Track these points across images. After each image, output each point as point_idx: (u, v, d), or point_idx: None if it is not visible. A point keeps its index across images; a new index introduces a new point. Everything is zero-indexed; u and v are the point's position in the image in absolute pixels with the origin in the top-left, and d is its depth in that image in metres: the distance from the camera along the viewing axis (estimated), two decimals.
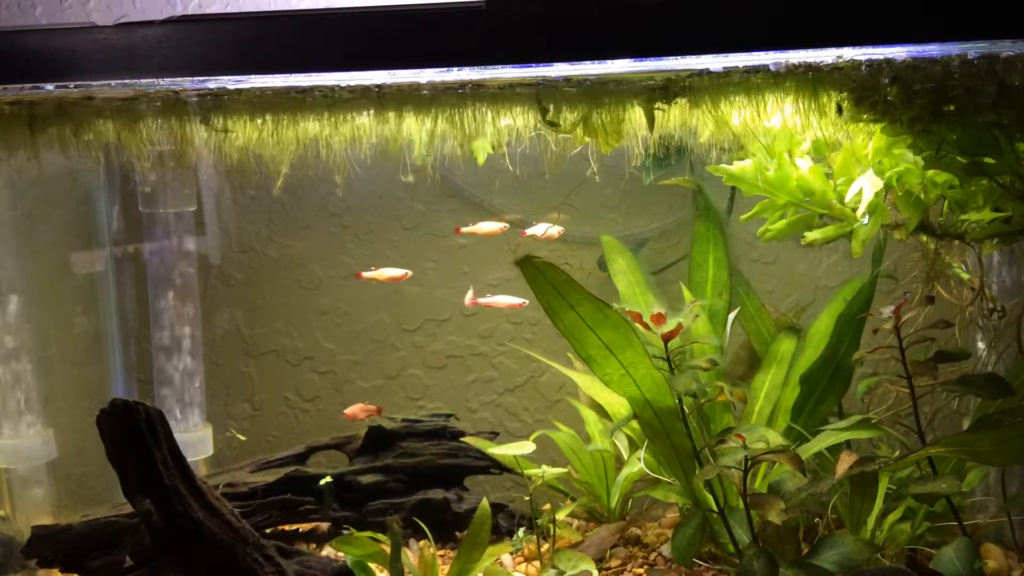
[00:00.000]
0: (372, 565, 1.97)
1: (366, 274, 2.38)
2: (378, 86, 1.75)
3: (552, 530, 2.13)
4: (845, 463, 1.75)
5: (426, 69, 1.66)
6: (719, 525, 1.91)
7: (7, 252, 2.33)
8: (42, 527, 2.06)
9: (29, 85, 1.73)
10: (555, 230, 2.34)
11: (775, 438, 1.77)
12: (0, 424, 2.35)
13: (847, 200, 1.95)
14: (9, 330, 2.33)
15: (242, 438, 2.68)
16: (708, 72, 1.67)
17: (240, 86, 1.77)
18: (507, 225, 2.38)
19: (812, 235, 2.02)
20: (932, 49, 1.58)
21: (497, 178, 2.57)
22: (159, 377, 2.51)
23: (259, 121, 1.87)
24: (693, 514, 1.93)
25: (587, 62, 1.60)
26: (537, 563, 2.14)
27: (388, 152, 2.00)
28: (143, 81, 1.70)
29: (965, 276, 2.14)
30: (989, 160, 1.73)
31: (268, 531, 2.25)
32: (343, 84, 1.74)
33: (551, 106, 1.76)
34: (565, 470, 2.20)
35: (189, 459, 1.83)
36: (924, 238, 2.10)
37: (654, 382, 1.86)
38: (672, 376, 1.88)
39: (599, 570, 2.03)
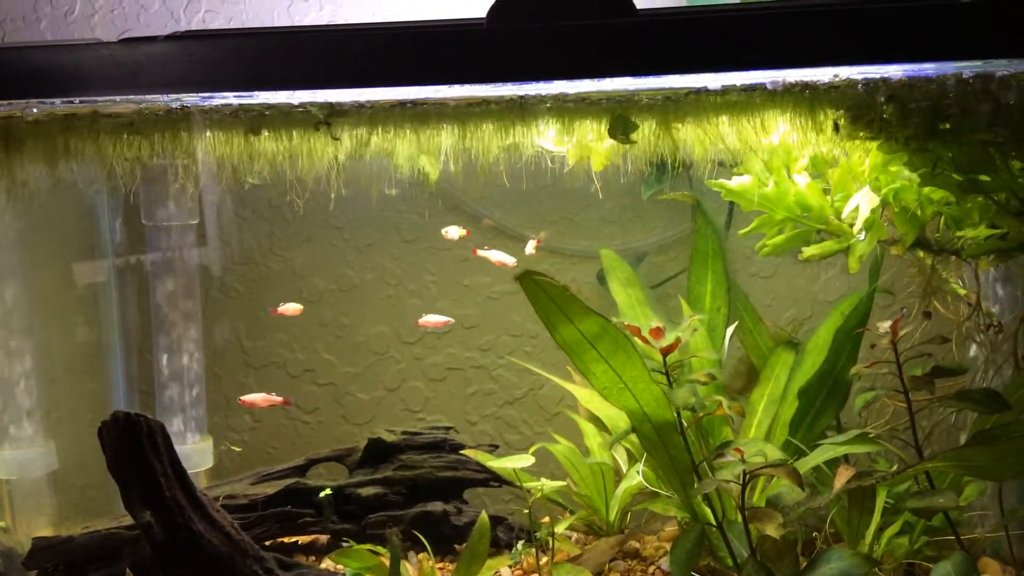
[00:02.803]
0: None
1: (480, 252, 2.40)
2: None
3: (551, 543, 2.13)
4: (843, 477, 1.76)
5: (427, 86, 1.68)
6: (718, 539, 1.92)
7: (9, 263, 2.34)
8: (42, 538, 2.06)
9: (35, 100, 1.75)
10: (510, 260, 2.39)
11: (773, 452, 1.78)
12: (1, 435, 2.35)
13: (844, 216, 1.96)
14: (10, 341, 2.34)
15: (237, 449, 2.68)
16: (706, 90, 1.68)
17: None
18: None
19: (809, 250, 2.04)
20: (928, 68, 1.60)
21: (496, 191, 2.59)
22: (160, 389, 2.52)
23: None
24: (692, 528, 1.94)
25: (586, 80, 1.62)
26: None
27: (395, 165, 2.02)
28: (147, 96, 1.71)
29: (962, 292, 2.15)
30: (985, 178, 1.75)
31: (268, 543, 2.25)
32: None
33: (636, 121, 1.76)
34: (564, 483, 2.21)
35: (189, 471, 1.84)
36: (921, 254, 2.11)
37: (653, 396, 1.87)
38: (671, 390, 1.89)
39: None
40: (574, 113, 1.77)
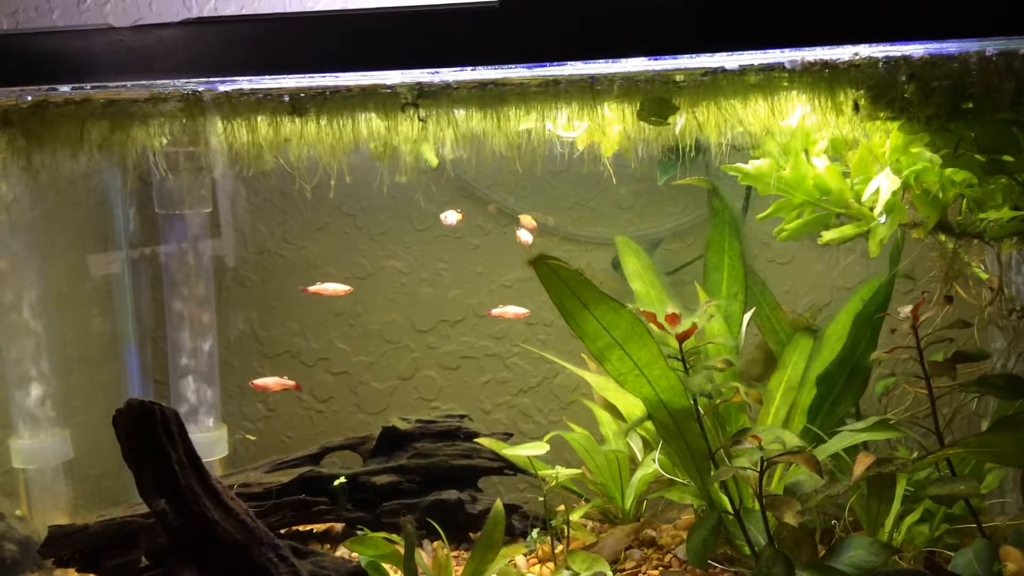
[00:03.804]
0: (386, 565, 1.97)
1: (519, 234, 2.40)
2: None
3: (566, 531, 2.12)
4: (862, 464, 1.74)
5: (441, 69, 1.66)
6: (734, 527, 1.90)
7: (25, 253, 2.35)
8: (58, 527, 2.07)
9: (46, 87, 1.75)
10: (528, 238, 2.38)
11: (791, 439, 1.76)
12: (17, 425, 2.36)
13: (864, 199, 1.94)
14: (26, 331, 2.35)
15: (251, 438, 2.69)
16: (724, 70, 1.66)
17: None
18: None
19: (829, 235, 2.01)
20: (950, 46, 1.57)
21: (509, 178, 2.58)
22: (174, 377, 2.52)
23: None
24: (708, 515, 1.92)
25: (601, 61, 1.59)
26: (551, 564, 2.13)
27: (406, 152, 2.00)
28: (159, 82, 1.71)
29: (984, 276, 2.12)
30: (1008, 158, 1.72)
31: (282, 531, 2.26)
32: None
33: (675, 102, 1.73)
34: (579, 471, 2.20)
35: (204, 459, 1.84)
36: (942, 237, 2.08)
37: (669, 383, 1.85)
38: (687, 377, 1.87)
39: (613, 572, 2.02)
40: (635, 95, 1.74)
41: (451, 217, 2.38)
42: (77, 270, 2.52)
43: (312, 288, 2.42)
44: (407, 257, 2.68)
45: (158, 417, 1.76)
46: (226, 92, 1.82)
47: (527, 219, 2.41)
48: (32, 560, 2.12)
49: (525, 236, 2.37)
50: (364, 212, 2.66)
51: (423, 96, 1.78)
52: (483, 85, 1.75)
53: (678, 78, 1.69)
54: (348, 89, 1.79)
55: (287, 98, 1.82)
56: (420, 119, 1.80)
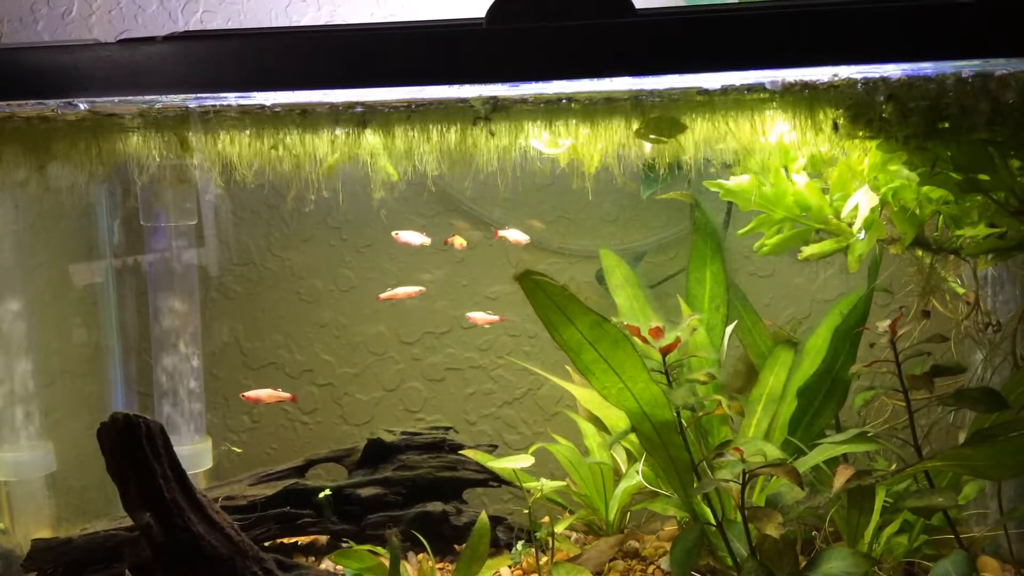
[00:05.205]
0: None
1: (501, 232, 2.40)
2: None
3: (551, 543, 2.13)
4: (842, 476, 1.76)
5: (426, 86, 1.67)
6: (717, 538, 1.92)
7: (8, 264, 2.34)
8: (41, 540, 2.06)
9: (32, 101, 1.75)
10: (523, 238, 2.40)
11: (773, 451, 1.78)
12: None
13: (843, 215, 1.97)
14: (9, 342, 2.34)
15: (236, 451, 2.68)
16: (705, 90, 1.68)
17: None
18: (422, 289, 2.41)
19: (808, 250, 2.04)
20: (927, 67, 1.60)
21: (495, 191, 2.59)
22: (159, 390, 2.52)
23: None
24: (691, 527, 1.94)
25: (585, 79, 1.62)
26: None
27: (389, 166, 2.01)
28: (147, 97, 1.71)
29: (960, 291, 2.15)
30: (984, 177, 1.75)
31: (267, 544, 2.25)
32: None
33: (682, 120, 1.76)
34: (564, 483, 2.21)
35: (188, 472, 1.84)
36: (920, 253, 2.12)
37: (652, 395, 1.87)
38: (670, 389, 1.89)
39: None
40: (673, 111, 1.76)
41: (405, 237, 2.37)
42: (61, 281, 2.51)
43: (384, 295, 2.42)
44: (392, 269, 2.68)
45: (143, 431, 1.76)
46: (213, 106, 1.83)
47: (458, 239, 2.43)
48: (15, 574, 2.10)
49: (518, 236, 2.38)
50: (350, 224, 2.67)
51: (496, 110, 1.79)
52: (558, 100, 1.76)
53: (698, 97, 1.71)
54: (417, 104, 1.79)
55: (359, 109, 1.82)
56: (491, 133, 1.81)
